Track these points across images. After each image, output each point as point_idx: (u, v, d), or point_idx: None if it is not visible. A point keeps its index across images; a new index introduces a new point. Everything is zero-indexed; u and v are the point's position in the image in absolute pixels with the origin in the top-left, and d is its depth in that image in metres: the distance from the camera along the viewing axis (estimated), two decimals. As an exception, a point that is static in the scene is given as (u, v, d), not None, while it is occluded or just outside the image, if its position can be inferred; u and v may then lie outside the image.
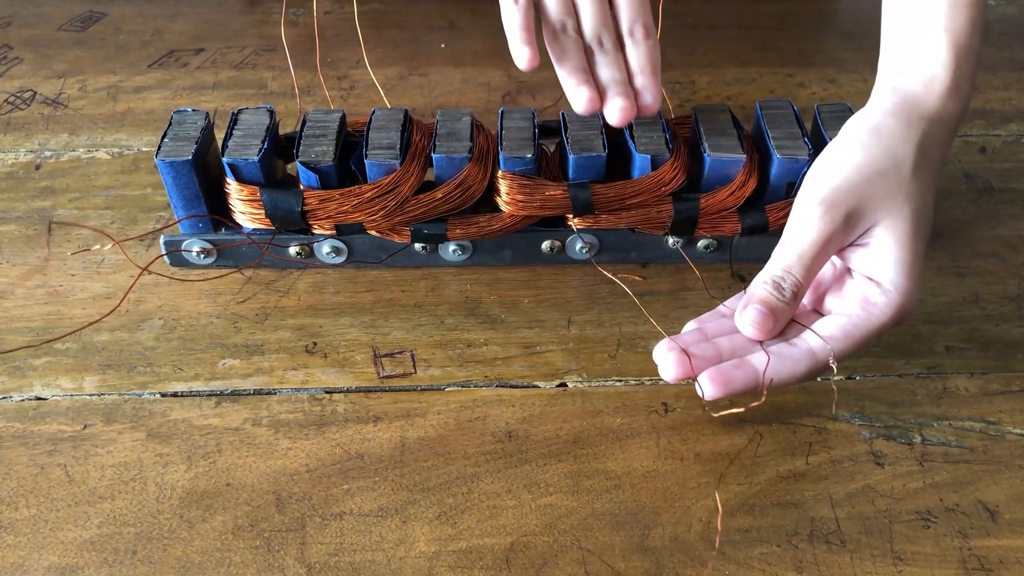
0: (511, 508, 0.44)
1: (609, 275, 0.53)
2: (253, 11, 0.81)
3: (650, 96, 0.48)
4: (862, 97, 0.69)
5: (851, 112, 0.53)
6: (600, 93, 0.47)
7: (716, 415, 0.47)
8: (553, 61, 0.48)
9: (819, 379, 0.49)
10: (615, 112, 0.47)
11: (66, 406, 0.48)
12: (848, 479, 0.45)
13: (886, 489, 0.44)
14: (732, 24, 0.79)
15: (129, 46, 0.76)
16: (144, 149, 0.65)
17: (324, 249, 0.54)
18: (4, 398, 0.48)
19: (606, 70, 0.48)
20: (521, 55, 0.47)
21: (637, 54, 0.49)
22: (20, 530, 0.43)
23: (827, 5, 0.84)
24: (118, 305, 0.46)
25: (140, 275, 0.45)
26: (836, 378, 0.49)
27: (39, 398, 0.48)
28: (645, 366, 0.50)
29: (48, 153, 0.65)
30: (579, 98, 0.46)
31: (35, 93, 0.71)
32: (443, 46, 0.76)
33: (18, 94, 0.71)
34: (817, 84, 0.72)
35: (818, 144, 0.52)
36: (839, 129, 0.51)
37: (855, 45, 0.76)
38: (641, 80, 0.49)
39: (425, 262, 0.55)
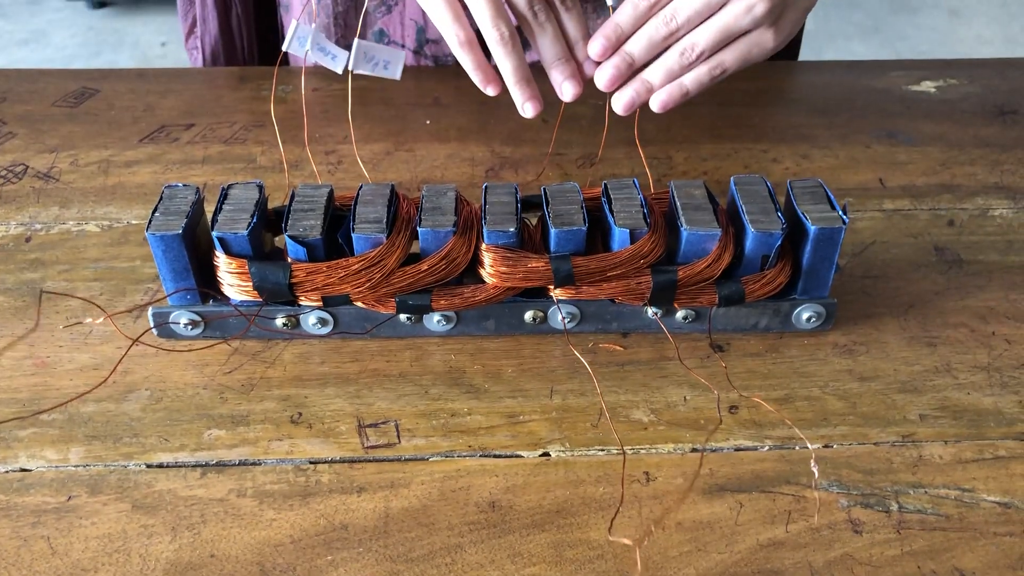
0: (495, 578, 0.44)
1: (577, 355, 0.55)
2: (243, 87, 0.83)
3: (591, 68, 0.59)
4: (833, 172, 0.72)
5: (823, 188, 0.55)
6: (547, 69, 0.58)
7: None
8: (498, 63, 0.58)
9: (797, 447, 0.50)
10: (567, 94, 0.59)
11: (51, 477, 0.48)
12: (827, 547, 0.45)
13: (865, 557, 0.45)
14: (708, 101, 0.82)
15: (121, 121, 0.78)
16: (134, 222, 0.66)
17: (310, 320, 0.54)
18: (-11, 470, 0.49)
19: (548, 48, 0.58)
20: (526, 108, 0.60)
21: (571, 24, 0.58)
22: (2, 603, 0.43)
23: (799, 82, 0.87)
24: (108, 377, 0.46)
25: (131, 347, 0.45)
26: (814, 446, 0.50)
27: (24, 469, 0.49)
28: (627, 435, 0.50)
29: (38, 226, 0.66)
30: (527, 110, 0.59)
31: (27, 167, 0.72)
32: (428, 122, 0.78)
33: (10, 168, 0.72)
34: (790, 159, 0.74)
35: (791, 218, 0.53)
36: (811, 204, 0.53)
37: (827, 121, 0.79)
38: (581, 51, 0.58)
39: (410, 332, 0.56)
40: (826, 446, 0.50)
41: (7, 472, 0.48)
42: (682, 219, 0.52)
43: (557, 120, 0.76)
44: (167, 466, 0.49)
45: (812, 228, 0.52)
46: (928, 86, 0.85)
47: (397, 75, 0.63)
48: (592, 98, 0.80)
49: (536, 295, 0.55)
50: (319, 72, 0.83)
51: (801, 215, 0.53)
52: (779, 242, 0.52)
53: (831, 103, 0.82)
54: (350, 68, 0.61)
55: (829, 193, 0.54)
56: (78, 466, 0.49)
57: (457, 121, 0.78)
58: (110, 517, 0.46)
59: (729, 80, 0.84)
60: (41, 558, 0.44)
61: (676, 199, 0.54)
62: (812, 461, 0.49)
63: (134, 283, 0.60)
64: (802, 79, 0.87)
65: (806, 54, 0.96)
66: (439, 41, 0.85)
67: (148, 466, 0.49)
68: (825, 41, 2.81)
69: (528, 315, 0.55)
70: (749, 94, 0.84)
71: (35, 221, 0.66)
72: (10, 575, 0.44)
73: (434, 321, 0.55)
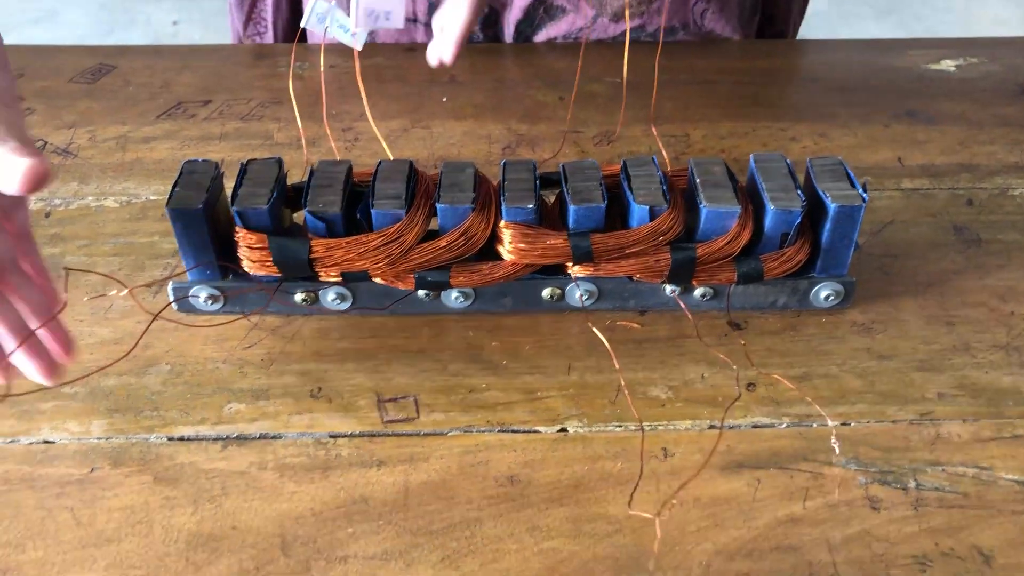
0: (514, 552, 0.44)
1: (596, 332, 0.55)
2: (259, 65, 0.83)
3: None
4: (852, 151, 0.72)
5: (843, 166, 0.54)
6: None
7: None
8: None
9: (815, 425, 0.50)
10: None
11: (73, 449, 0.49)
12: (845, 523, 0.45)
13: (882, 533, 0.45)
14: (726, 80, 0.81)
15: (138, 98, 0.78)
16: (152, 198, 0.66)
17: (329, 296, 0.55)
18: (12, 441, 0.49)
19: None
20: None
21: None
22: (27, 572, 0.43)
23: (818, 60, 0.86)
24: (130, 351, 0.47)
25: (152, 321, 0.46)
26: (831, 423, 0.50)
27: (47, 441, 0.49)
28: (645, 412, 0.51)
29: (58, 201, 0.66)
30: None
31: (46, 143, 0.72)
32: (445, 100, 0.78)
33: (29, 144, 0.72)
34: (808, 138, 0.74)
35: (811, 196, 0.53)
36: (831, 182, 0.53)
37: (845, 100, 0.79)
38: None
39: (428, 309, 0.56)
40: (844, 424, 0.50)
41: (31, 444, 0.49)
42: (701, 196, 0.52)
43: (572, 97, 0.76)
44: (188, 439, 0.49)
45: (832, 206, 0.52)
46: (948, 65, 0.84)
47: (400, 23, 0.63)
48: (608, 76, 0.80)
49: (554, 272, 0.55)
50: (336, 49, 0.83)
51: (821, 193, 0.52)
52: (799, 220, 0.52)
53: (850, 82, 0.82)
54: (354, 28, 0.61)
55: (849, 171, 0.54)
56: (100, 438, 0.49)
57: (474, 99, 0.78)
58: (132, 489, 0.47)
59: (747, 58, 0.84)
60: (65, 528, 0.45)
61: (695, 176, 0.54)
62: (833, 437, 0.49)
63: (153, 258, 0.61)
64: (821, 58, 0.87)
65: (819, 35, 0.96)
66: None
67: (169, 439, 0.49)
68: (839, 22, 2.79)
69: (546, 292, 0.55)
70: (767, 72, 0.83)
71: (54, 196, 0.66)
72: (35, 545, 0.44)
73: (452, 298, 0.55)
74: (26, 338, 0.45)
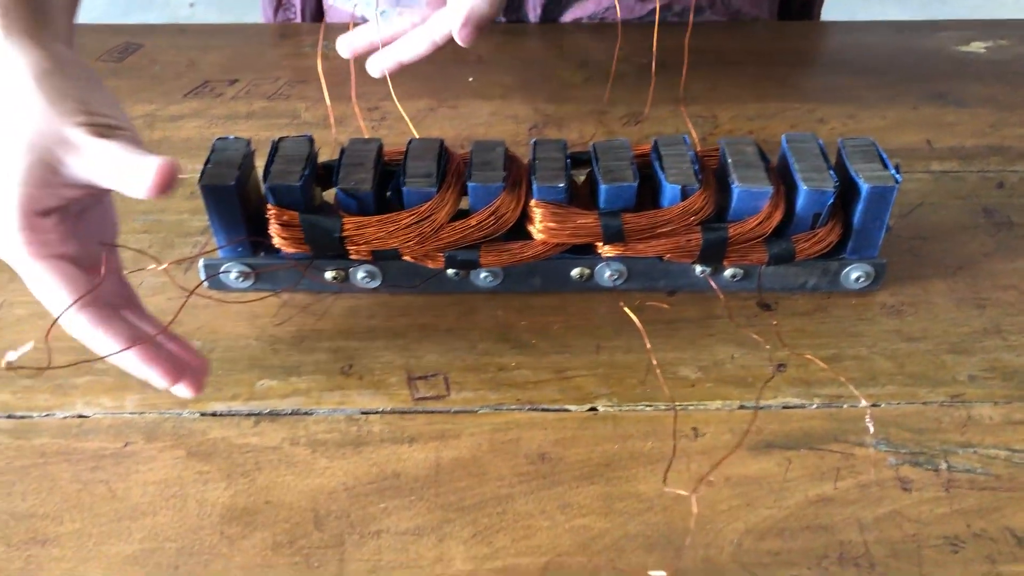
0: (545, 528, 0.44)
1: (627, 311, 0.55)
2: (283, 44, 0.83)
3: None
4: (880, 133, 0.72)
5: (875, 147, 0.54)
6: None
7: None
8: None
9: (845, 406, 0.50)
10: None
11: (107, 424, 0.49)
12: (876, 504, 0.45)
13: (913, 514, 0.45)
14: (753, 61, 0.81)
15: (164, 76, 0.78)
16: (180, 176, 0.66)
17: (359, 274, 0.55)
18: (47, 415, 0.50)
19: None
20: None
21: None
22: (65, 544, 0.44)
23: (846, 42, 0.86)
24: (167, 326, 0.47)
25: (188, 297, 0.46)
26: (861, 405, 0.50)
27: (81, 416, 0.50)
28: (675, 392, 0.51)
29: (87, 179, 0.66)
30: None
31: (74, 121, 0.72)
32: (471, 79, 0.78)
33: (58, 122, 0.72)
34: (836, 120, 0.73)
35: (842, 177, 0.53)
36: (863, 163, 0.53)
37: (874, 82, 0.78)
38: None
39: (457, 288, 0.56)
40: (874, 405, 0.50)
41: (65, 417, 0.49)
42: (733, 176, 0.52)
43: (610, 79, 0.76)
44: (221, 415, 0.50)
45: (865, 186, 0.51)
46: (978, 47, 0.83)
47: (423, 2, 0.63)
48: (635, 56, 0.80)
49: (583, 252, 0.55)
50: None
51: (853, 174, 0.52)
52: (831, 200, 0.52)
53: (878, 64, 0.81)
54: (376, 12, 0.62)
55: (881, 152, 0.54)
56: (134, 413, 0.50)
57: (501, 79, 0.78)
58: (166, 463, 0.47)
59: (774, 40, 0.84)
60: (102, 501, 0.45)
61: (727, 156, 0.53)
62: (867, 416, 0.49)
63: (182, 236, 0.61)
64: (849, 39, 0.86)
65: (841, 17, 0.95)
66: None
67: (202, 414, 0.50)
68: (859, 5, 2.76)
69: (575, 272, 0.55)
70: (795, 54, 0.83)
71: (84, 174, 0.67)
72: (72, 517, 0.45)
73: (481, 277, 0.55)
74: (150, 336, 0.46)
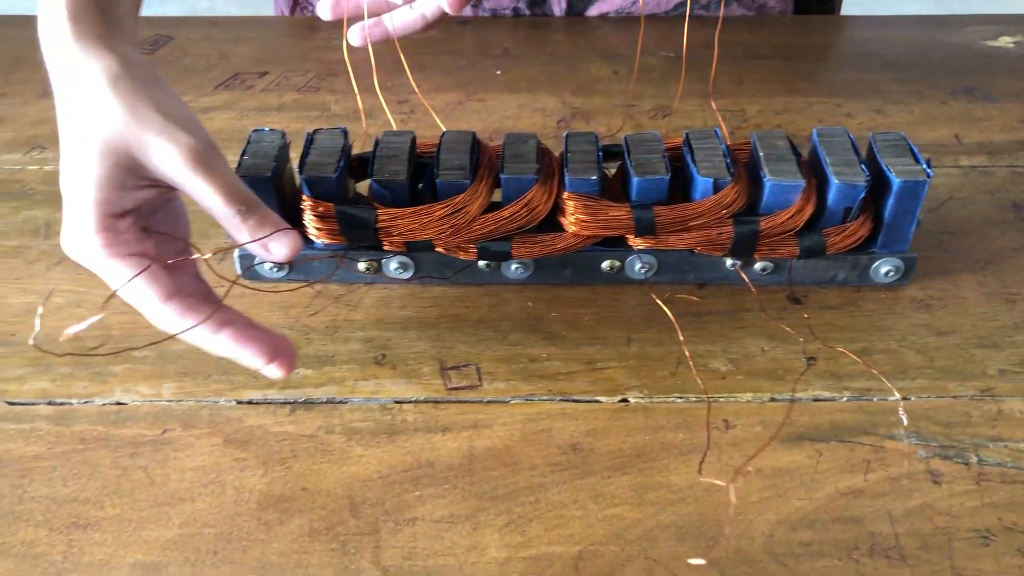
0: (578, 518, 0.45)
1: (659, 302, 0.55)
2: (313, 36, 0.84)
3: None
4: (908, 127, 0.72)
5: (905, 141, 0.54)
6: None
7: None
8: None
9: (875, 399, 0.50)
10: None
11: (145, 411, 0.50)
12: (906, 496, 0.46)
13: (944, 507, 0.45)
14: (780, 55, 0.81)
15: (195, 68, 0.79)
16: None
17: (392, 265, 0.55)
18: (87, 402, 0.50)
19: None
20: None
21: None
22: (106, 528, 0.44)
23: (873, 37, 0.85)
24: (207, 318, 0.48)
25: (231, 288, 0.47)
26: (892, 398, 0.50)
27: (119, 403, 0.50)
28: (706, 384, 0.51)
29: (121, 170, 0.67)
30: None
31: (107, 112, 0.73)
32: (499, 73, 0.78)
33: (91, 113, 0.73)
34: (864, 114, 0.73)
35: (873, 171, 0.53)
36: (894, 157, 0.53)
37: (901, 77, 0.78)
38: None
39: (488, 279, 0.57)
40: (904, 398, 0.50)
41: (104, 404, 0.50)
42: (765, 169, 0.52)
43: (634, 73, 0.76)
44: (257, 403, 0.50)
45: (896, 181, 0.52)
46: (1006, 41, 0.83)
47: None
48: (663, 50, 0.80)
49: (614, 244, 0.56)
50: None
51: (884, 168, 0.52)
52: (862, 194, 0.52)
53: (906, 58, 0.81)
54: None
55: (912, 147, 0.54)
56: (171, 401, 0.50)
57: (527, 72, 0.78)
58: (204, 450, 0.48)
59: (801, 34, 0.84)
60: (140, 487, 0.46)
61: (759, 149, 0.54)
62: (900, 409, 0.49)
63: (216, 226, 0.61)
64: (876, 34, 0.86)
65: (857, 12, 0.95)
66: None
67: (238, 402, 0.50)
68: (876, 1, 2.75)
69: (605, 264, 0.56)
70: (822, 48, 0.83)
71: (117, 165, 0.67)
72: (112, 502, 0.45)
73: (512, 269, 0.56)
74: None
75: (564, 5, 0.86)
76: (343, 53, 0.80)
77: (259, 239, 0.45)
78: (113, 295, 0.45)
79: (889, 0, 2.73)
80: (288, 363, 0.47)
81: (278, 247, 0.46)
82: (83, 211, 0.44)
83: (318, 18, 0.89)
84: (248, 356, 0.46)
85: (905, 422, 0.48)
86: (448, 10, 0.63)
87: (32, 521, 0.45)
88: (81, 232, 0.44)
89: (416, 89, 0.67)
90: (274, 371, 0.47)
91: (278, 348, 0.47)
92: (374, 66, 0.68)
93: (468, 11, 0.86)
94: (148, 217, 0.47)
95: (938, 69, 0.79)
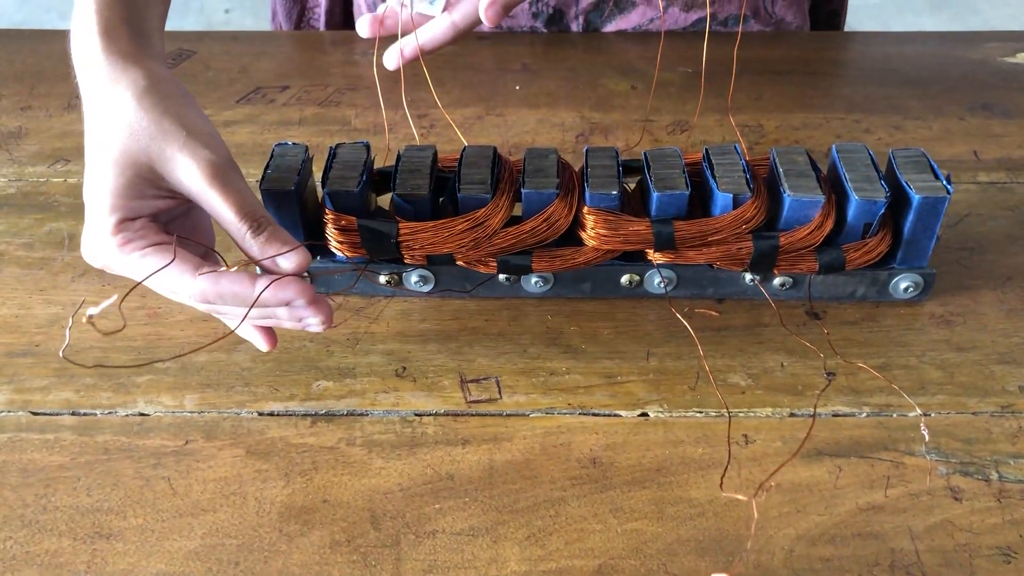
0: (598, 532, 0.45)
1: (679, 316, 0.55)
2: (334, 51, 0.85)
3: None
4: (927, 143, 0.72)
5: (925, 158, 0.54)
6: None
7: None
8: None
9: (895, 415, 0.50)
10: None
11: (168, 422, 0.50)
12: (927, 513, 0.46)
13: (965, 524, 0.45)
14: (798, 70, 0.81)
15: (218, 83, 0.80)
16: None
17: (412, 278, 0.56)
18: (110, 413, 0.51)
19: None
20: None
21: None
22: (129, 538, 0.45)
23: (891, 53, 0.86)
24: (232, 331, 0.48)
25: (256, 299, 0.47)
26: (912, 414, 0.50)
27: (142, 414, 0.51)
28: (726, 398, 0.51)
29: (144, 182, 0.68)
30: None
31: (130, 126, 0.74)
32: (518, 88, 0.79)
33: (114, 126, 0.74)
34: (882, 130, 0.74)
35: (893, 187, 0.53)
36: (914, 173, 0.53)
37: (919, 93, 0.78)
38: None
39: (507, 293, 0.57)
40: (924, 414, 0.50)
41: (127, 415, 0.51)
42: (785, 185, 0.52)
43: (652, 88, 0.76)
44: (278, 414, 0.51)
45: (916, 197, 0.52)
46: (1024, 58, 0.83)
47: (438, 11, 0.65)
48: (681, 66, 0.81)
49: (633, 259, 0.56)
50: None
51: (904, 184, 0.52)
52: (882, 210, 0.52)
53: (924, 74, 0.81)
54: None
55: (932, 163, 0.54)
56: (193, 412, 0.51)
57: (546, 87, 0.79)
58: (226, 461, 0.48)
59: (818, 49, 0.84)
60: (163, 497, 0.47)
61: (778, 165, 0.54)
62: (922, 425, 0.49)
63: (238, 239, 0.62)
64: (894, 50, 0.86)
65: (872, 28, 0.95)
66: (514, 15, 0.85)
67: (260, 414, 0.51)
68: (893, 15, 2.75)
69: (624, 279, 0.56)
70: (840, 64, 0.83)
71: (140, 178, 0.68)
72: (135, 512, 0.46)
73: (531, 282, 0.56)
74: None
75: (582, 21, 0.87)
76: (365, 68, 0.81)
77: (268, 257, 0.46)
78: (138, 285, 0.45)
79: (905, 15, 2.74)
80: (327, 314, 0.48)
81: (286, 262, 0.46)
82: (100, 218, 0.45)
83: (341, 32, 0.90)
84: (289, 296, 0.46)
85: (927, 437, 0.48)
86: (486, 23, 0.64)
87: (56, 531, 0.45)
88: (98, 237, 0.45)
89: (439, 104, 0.68)
90: (315, 317, 0.47)
91: (317, 298, 0.47)
92: (403, 82, 0.69)
93: (485, 26, 0.87)
94: (168, 223, 0.48)
95: (956, 85, 0.79)
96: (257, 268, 0.47)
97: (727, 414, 0.50)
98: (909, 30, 0.89)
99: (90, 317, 0.43)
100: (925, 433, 0.48)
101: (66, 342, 0.54)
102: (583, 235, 0.54)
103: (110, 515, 0.46)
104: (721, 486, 0.46)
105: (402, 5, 0.64)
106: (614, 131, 0.73)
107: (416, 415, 0.51)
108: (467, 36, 0.67)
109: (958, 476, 0.47)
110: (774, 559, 0.44)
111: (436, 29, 0.67)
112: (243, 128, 0.74)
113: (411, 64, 0.77)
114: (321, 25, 0.93)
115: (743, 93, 0.77)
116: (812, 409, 0.50)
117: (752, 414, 0.50)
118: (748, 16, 0.86)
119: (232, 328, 0.49)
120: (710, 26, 0.85)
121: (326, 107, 0.76)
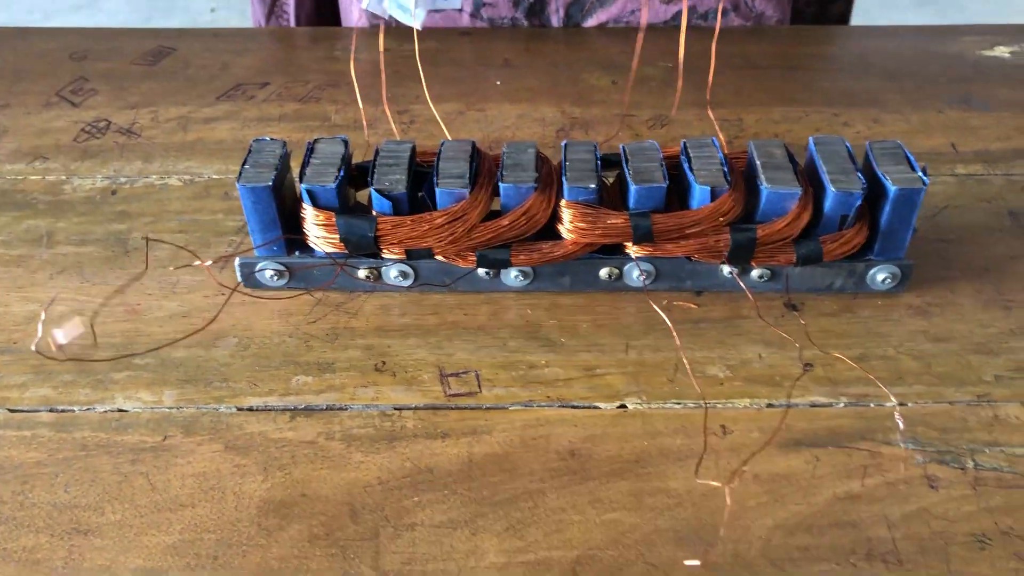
0: (576, 523, 0.45)
1: (657, 309, 0.55)
2: (315, 48, 0.85)
3: None
4: (905, 136, 0.72)
5: (902, 149, 0.55)
6: None
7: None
8: None
9: (872, 405, 0.50)
10: None
11: (147, 418, 0.50)
12: (903, 501, 0.46)
13: (941, 511, 0.45)
14: (778, 65, 0.81)
15: (198, 79, 0.80)
16: (214, 176, 0.68)
17: (392, 273, 0.56)
18: (88, 409, 0.51)
19: None
20: None
21: None
22: (107, 534, 0.45)
23: (870, 47, 0.86)
24: (208, 324, 0.48)
25: (231, 295, 0.47)
26: (889, 404, 0.50)
27: (121, 410, 0.51)
28: (705, 390, 0.51)
29: (123, 179, 0.68)
30: None
31: (110, 123, 0.74)
32: (499, 83, 0.79)
33: (94, 124, 0.74)
34: (861, 123, 0.74)
35: (870, 179, 0.54)
36: (891, 165, 0.53)
37: (898, 86, 0.79)
38: None
39: (487, 287, 0.57)
40: (901, 404, 0.51)
41: (106, 412, 0.51)
42: (762, 177, 0.53)
43: (629, 82, 0.76)
44: (257, 409, 0.51)
45: (892, 188, 0.52)
46: (1002, 51, 0.84)
47: (458, 3, 0.64)
48: (662, 60, 0.81)
49: (612, 252, 0.56)
50: (389, 33, 0.84)
51: (881, 176, 0.53)
52: (859, 202, 0.52)
53: (902, 68, 0.81)
54: (413, 6, 0.62)
55: (909, 155, 0.54)
56: (172, 408, 0.51)
57: (527, 82, 0.79)
58: (204, 456, 0.48)
59: (798, 44, 0.84)
60: (141, 493, 0.46)
61: (756, 158, 0.54)
62: (896, 414, 0.49)
63: (218, 235, 0.62)
64: (873, 44, 0.87)
65: (856, 22, 0.96)
66: (495, 4, 0.85)
67: (239, 409, 0.51)
68: (878, 11, 2.76)
69: (603, 272, 0.56)
70: (818, 58, 0.83)
71: (119, 175, 0.68)
72: (113, 508, 0.46)
73: (511, 276, 0.56)
74: None
75: (562, 14, 0.87)
76: (345, 64, 0.81)
77: None
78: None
79: (891, 11, 2.74)
80: None
81: None
82: None
83: (321, 28, 0.90)
84: None
85: (901, 426, 0.49)
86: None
87: (33, 527, 0.45)
88: None
89: (428, 97, 0.67)
90: None
91: None
92: (384, 77, 0.69)
93: (467, 21, 0.87)
94: None
95: (935, 79, 0.80)
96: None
97: (704, 405, 0.50)
98: (892, 24, 0.90)
99: (58, 344, 0.43)
100: (900, 422, 0.49)
101: (38, 336, 0.54)
102: (561, 229, 0.54)
103: (88, 511, 0.46)
104: (696, 473, 0.46)
105: (384, 8, 0.63)
106: (595, 126, 0.73)
107: (395, 409, 0.51)
108: (443, 34, 0.66)
109: (934, 465, 0.48)
110: (751, 549, 0.44)
111: None
112: (223, 125, 0.73)
113: (393, 61, 0.77)
114: (291, 15, 0.92)
115: (723, 88, 0.77)
116: (788, 400, 0.51)
117: (730, 405, 0.51)
118: (728, 10, 0.87)
119: None
120: (691, 20, 0.85)
121: (306, 103, 0.76)
